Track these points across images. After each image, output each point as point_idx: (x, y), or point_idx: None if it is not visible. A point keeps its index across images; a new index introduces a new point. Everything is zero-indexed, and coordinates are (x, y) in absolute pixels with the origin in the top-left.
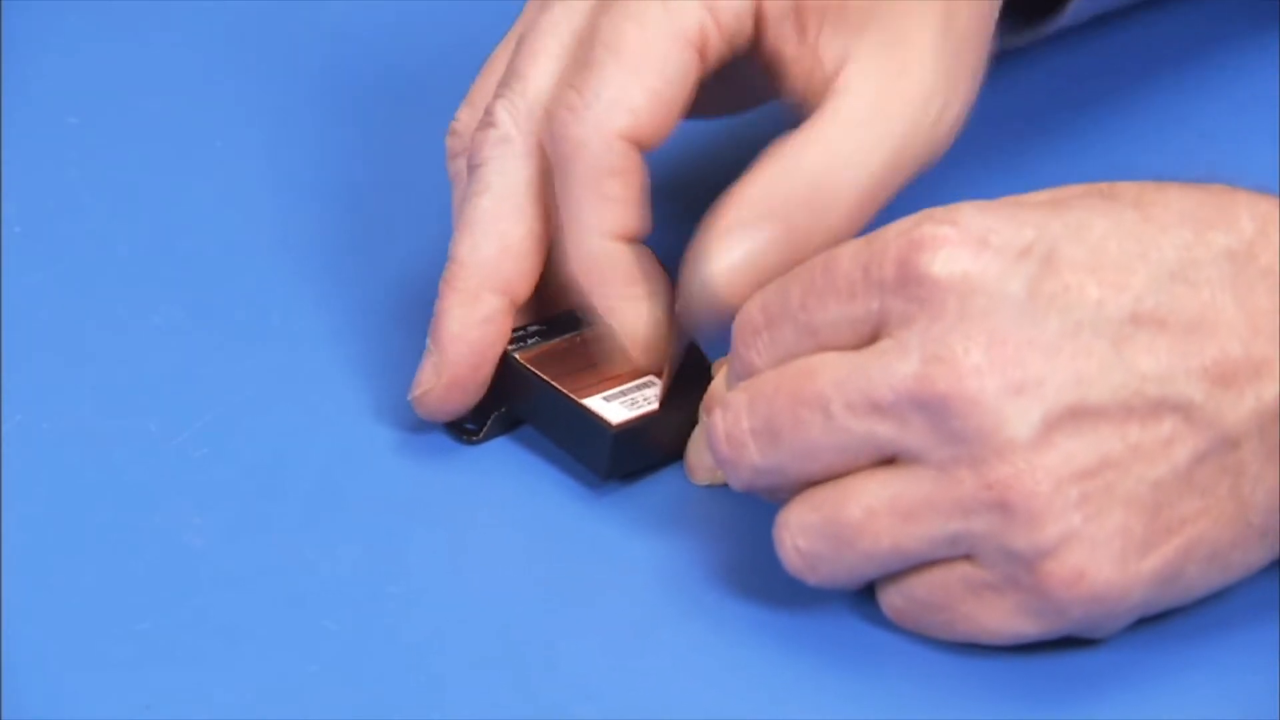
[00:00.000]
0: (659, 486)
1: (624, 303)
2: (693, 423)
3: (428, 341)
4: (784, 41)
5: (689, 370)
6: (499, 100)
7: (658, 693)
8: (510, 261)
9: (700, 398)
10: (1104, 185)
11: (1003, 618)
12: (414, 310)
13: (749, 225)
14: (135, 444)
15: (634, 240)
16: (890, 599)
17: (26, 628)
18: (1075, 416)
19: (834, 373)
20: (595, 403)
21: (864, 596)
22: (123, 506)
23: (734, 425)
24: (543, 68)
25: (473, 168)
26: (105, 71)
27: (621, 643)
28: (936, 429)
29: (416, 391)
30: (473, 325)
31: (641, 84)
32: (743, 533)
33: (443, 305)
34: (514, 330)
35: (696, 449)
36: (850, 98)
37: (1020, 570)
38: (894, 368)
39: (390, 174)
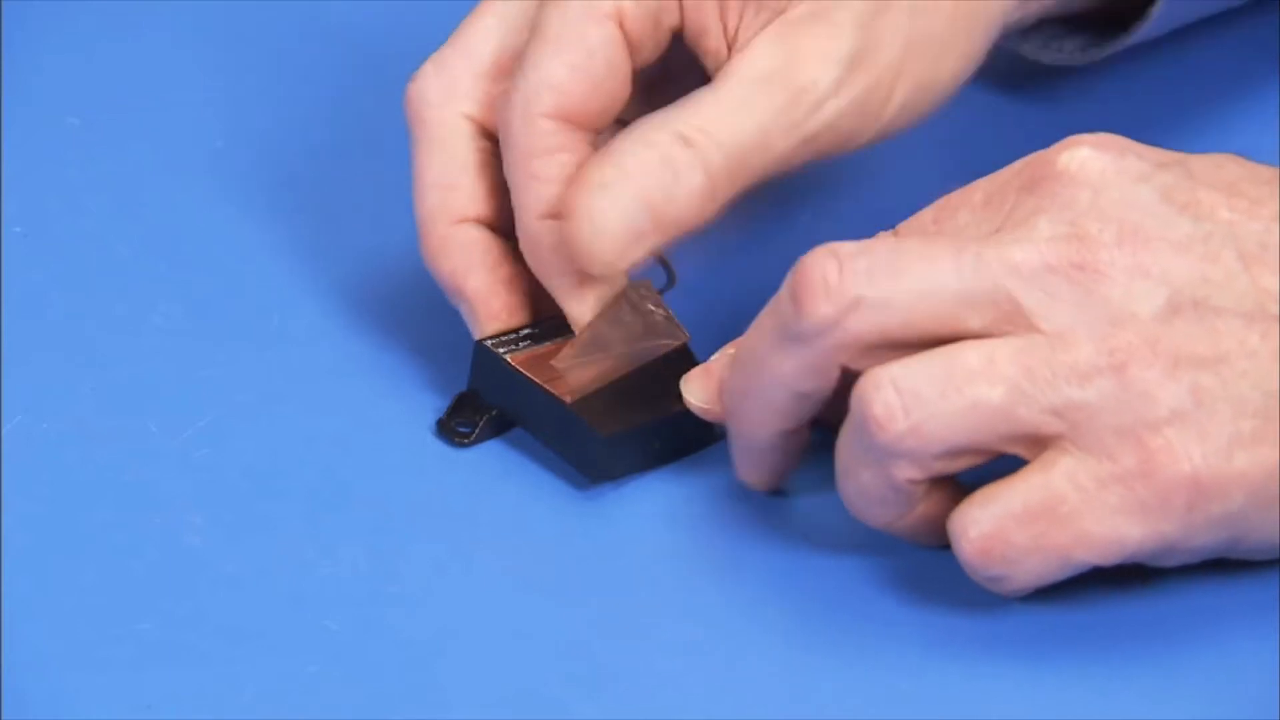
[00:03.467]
0: (657, 486)
1: (559, 279)
2: (683, 427)
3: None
4: (705, 34)
5: (677, 372)
6: (430, 60)
7: (658, 693)
8: (456, 195)
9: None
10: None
11: (1105, 518)
12: (415, 311)
13: (615, 186)
14: (135, 444)
15: None
16: (980, 527)
17: (26, 628)
18: (1199, 311)
19: (964, 240)
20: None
21: (866, 598)
22: (123, 506)
23: (841, 261)
24: (475, 31)
25: (409, 124)
26: (105, 71)
27: (621, 643)
28: (1061, 296)
29: (477, 337)
30: (457, 255)
31: (562, 60)
32: (741, 532)
33: (431, 267)
34: (506, 333)
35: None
36: (744, 59)
37: (1126, 448)
38: (1027, 237)
39: (393, 175)
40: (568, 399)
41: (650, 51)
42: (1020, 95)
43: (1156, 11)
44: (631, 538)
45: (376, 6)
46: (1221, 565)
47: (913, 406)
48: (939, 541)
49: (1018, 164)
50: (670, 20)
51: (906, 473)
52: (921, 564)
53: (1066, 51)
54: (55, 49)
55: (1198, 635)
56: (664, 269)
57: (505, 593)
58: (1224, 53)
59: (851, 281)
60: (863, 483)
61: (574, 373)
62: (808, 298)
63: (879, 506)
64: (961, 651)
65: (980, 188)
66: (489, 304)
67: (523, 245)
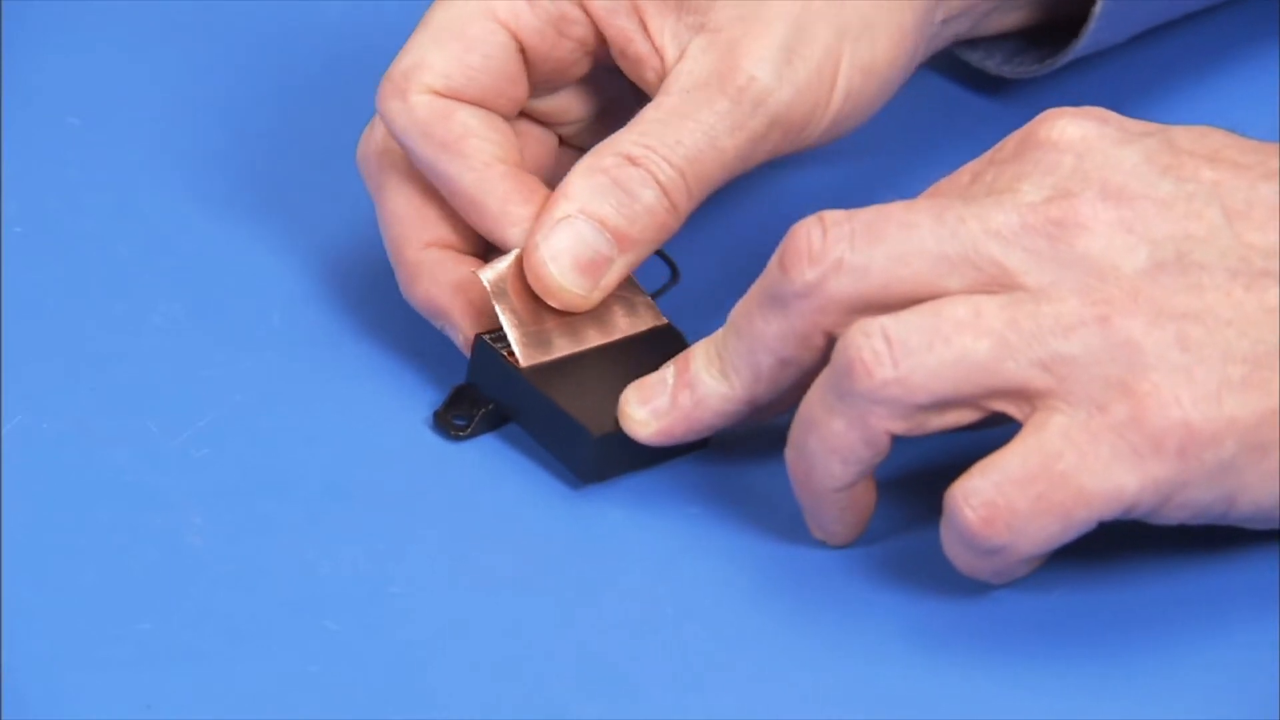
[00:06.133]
0: (655, 486)
1: (512, 226)
2: None
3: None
4: (629, 40)
5: (665, 354)
6: (375, 116)
7: (656, 691)
8: (412, 223)
9: None
10: None
11: (1101, 470)
12: (414, 311)
13: (574, 219)
14: (135, 444)
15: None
16: (981, 495)
17: (26, 628)
18: (1182, 265)
19: (949, 201)
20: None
21: (862, 600)
22: (123, 506)
23: (826, 227)
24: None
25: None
26: (105, 71)
27: (621, 643)
28: (1042, 253)
29: (463, 349)
30: (427, 277)
31: (440, 48)
32: (737, 531)
33: (408, 296)
34: (503, 329)
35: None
36: (679, 70)
37: (1115, 397)
38: (1011, 201)
39: None
40: (523, 364)
41: (558, 61)
42: (1005, 96)
43: (1092, 26)
44: (628, 537)
45: (376, 6)
46: (1219, 550)
47: (901, 356)
48: (852, 535)
49: (1000, 141)
50: (578, 32)
51: (885, 422)
52: (935, 561)
53: (1027, 65)
54: (55, 49)
55: (1198, 634)
56: (668, 265)
57: (504, 593)
58: (1219, 41)
59: (834, 246)
60: (831, 433)
61: (546, 351)
62: (792, 262)
63: (839, 464)
64: (967, 660)
65: (967, 169)
66: (467, 311)
67: (459, 201)
